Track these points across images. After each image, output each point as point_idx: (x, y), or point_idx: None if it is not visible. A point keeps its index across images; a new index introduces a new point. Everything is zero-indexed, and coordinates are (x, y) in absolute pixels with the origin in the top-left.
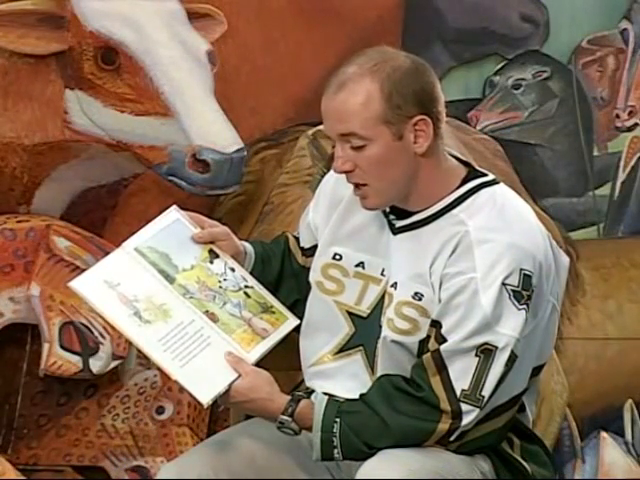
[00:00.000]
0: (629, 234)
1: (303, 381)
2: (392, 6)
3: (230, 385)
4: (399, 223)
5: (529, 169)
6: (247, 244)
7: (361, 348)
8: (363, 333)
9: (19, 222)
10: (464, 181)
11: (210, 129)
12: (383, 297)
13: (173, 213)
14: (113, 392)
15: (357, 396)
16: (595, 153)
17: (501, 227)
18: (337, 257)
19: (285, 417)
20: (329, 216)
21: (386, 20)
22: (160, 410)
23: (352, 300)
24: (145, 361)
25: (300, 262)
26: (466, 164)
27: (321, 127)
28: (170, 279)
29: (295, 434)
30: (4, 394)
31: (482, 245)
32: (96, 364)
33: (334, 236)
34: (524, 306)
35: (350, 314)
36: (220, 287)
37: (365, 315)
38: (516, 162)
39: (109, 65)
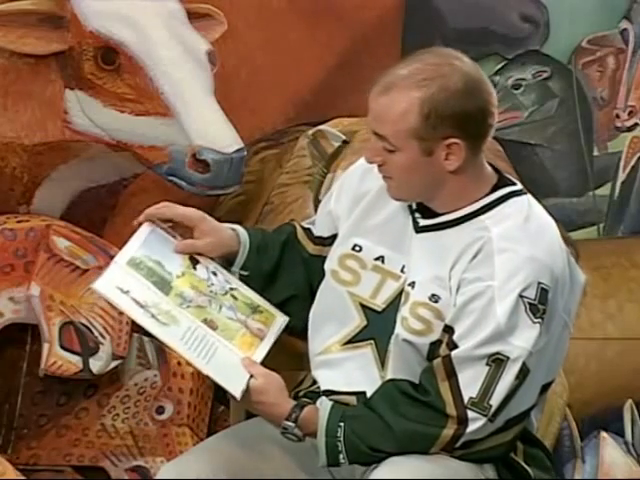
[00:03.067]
0: (629, 234)
1: (303, 381)
2: (392, 6)
3: (247, 383)
4: (423, 222)
5: (529, 169)
6: (243, 232)
7: (372, 342)
8: (376, 327)
9: (19, 222)
10: (494, 188)
11: (210, 129)
12: (401, 294)
13: (145, 227)
14: (113, 392)
15: (361, 389)
16: (595, 153)
17: (524, 239)
18: (357, 248)
19: (289, 423)
20: (352, 208)
21: (386, 20)
22: (160, 410)
23: (367, 293)
24: (145, 361)
25: (311, 251)
26: (497, 170)
27: (321, 127)
28: (166, 290)
29: (299, 440)
30: (4, 394)
31: (503, 254)
32: (96, 364)
33: (356, 228)
34: (539, 320)
35: (363, 307)
36: (211, 291)
37: (380, 310)
38: (516, 162)
39: (109, 65)
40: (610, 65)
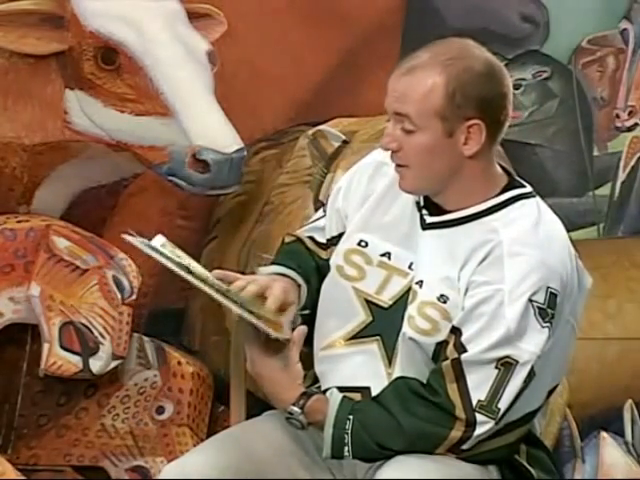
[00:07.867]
0: (629, 234)
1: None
2: (392, 6)
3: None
4: (430, 219)
5: (529, 169)
6: (294, 275)
7: (378, 338)
8: (382, 324)
9: (19, 222)
10: (503, 190)
11: (210, 129)
12: (408, 291)
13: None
14: (113, 392)
15: (365, 384)
16: (595, 153)
17: (534, 243)
18: (362, 244)
19: (295, 408)
20: (360, 205)
21: (386, 20)
22: (160, 410)
23: (372, 289)
24: (145, 361)
25: (324, 256)
26: (507, 173)
27: (321, 127)
28: (188, 270)
29: (302, 427)
30: (4, 394)
31: (513, 258)
32: (96, 364)
33: (363, 224)
34: (547, 324)
35: (369, 302)
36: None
37: (386, 306)
38: (516, 162)
39: (109, 65)
40: (610, 65)
